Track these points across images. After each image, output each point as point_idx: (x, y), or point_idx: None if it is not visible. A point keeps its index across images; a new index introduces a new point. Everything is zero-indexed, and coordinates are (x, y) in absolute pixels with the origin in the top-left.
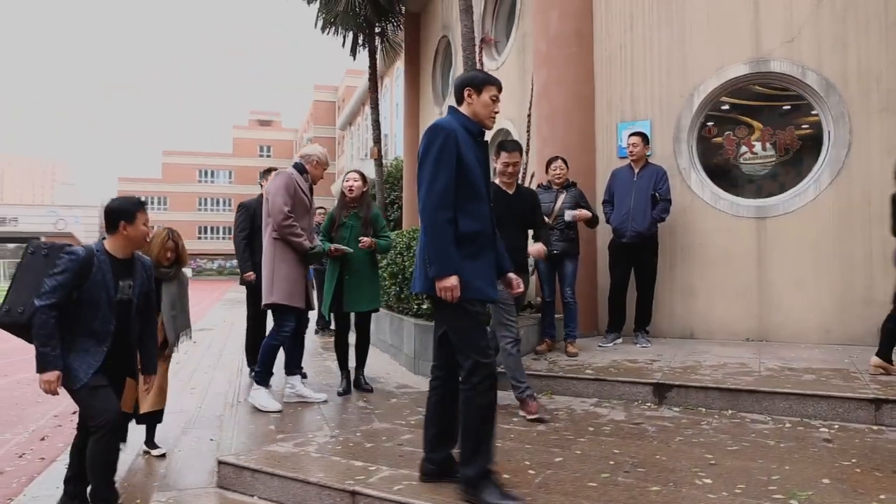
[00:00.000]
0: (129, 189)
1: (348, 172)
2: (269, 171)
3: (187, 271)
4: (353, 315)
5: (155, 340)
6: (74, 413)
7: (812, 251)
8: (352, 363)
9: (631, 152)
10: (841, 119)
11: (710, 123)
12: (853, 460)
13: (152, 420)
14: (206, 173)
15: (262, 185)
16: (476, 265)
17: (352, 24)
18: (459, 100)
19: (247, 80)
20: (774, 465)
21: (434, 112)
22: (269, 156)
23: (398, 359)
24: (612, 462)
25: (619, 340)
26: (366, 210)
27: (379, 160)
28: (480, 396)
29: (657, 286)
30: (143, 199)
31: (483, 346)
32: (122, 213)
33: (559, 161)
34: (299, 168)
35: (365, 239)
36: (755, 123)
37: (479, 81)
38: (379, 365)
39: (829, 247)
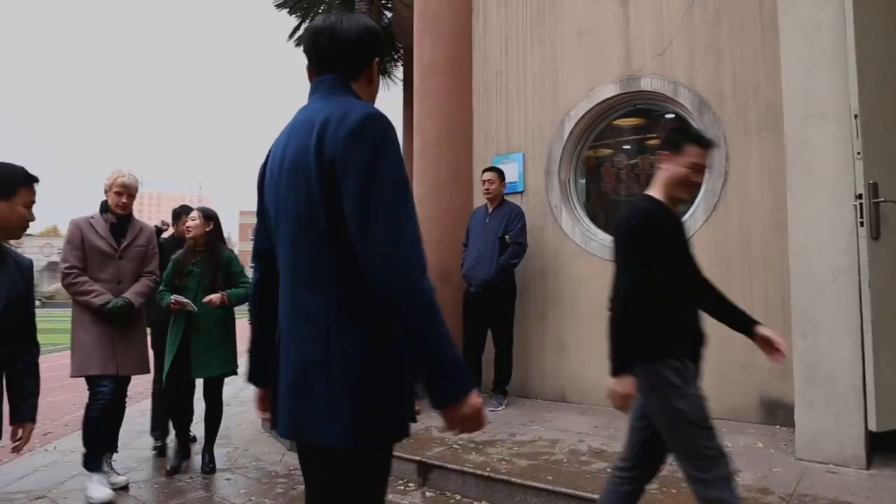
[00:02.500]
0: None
1: (185, 211)
2: (181, 211)
3: None
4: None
5: (34, 372)
6: None
7: None
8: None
9: (487, 190)
10: (716, 142)
11: (589, 153)
12: None
13: None
14: None
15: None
16: None
17: None
18: None
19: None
20: None
21: None
22: None
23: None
24: None
25: None
26: (215, 255)
27: None
28: None
29: (530, 339)
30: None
31: None
32: None
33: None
34: (102, 207)
35: (213, 296)
36: (634, 152)
37: None
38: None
39: None
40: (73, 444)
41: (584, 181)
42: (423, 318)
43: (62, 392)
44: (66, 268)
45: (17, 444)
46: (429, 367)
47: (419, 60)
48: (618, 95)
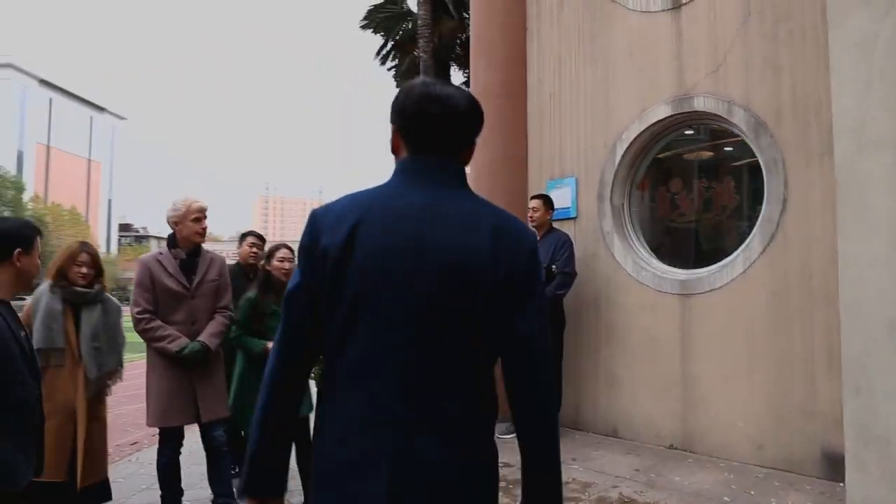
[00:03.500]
0: None
1: (278, 248)
2: (245, 235)
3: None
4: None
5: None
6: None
7: (743, 339)
8: None
9: (531, 218)
10: (773, 167)
11: (643, 176)
12: None
13: (95, 497)
14: None
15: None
16: None
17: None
18: None
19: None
20: None
21: None
22: None
23: None
24: None
25: None
26: None
27: None
28: None
29: (583, 370)
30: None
31: None
32: (19, 238)
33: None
34: (169, 242)
35: None
36: (691, 175)
37: None
38: None
39: (761, 334)
40: (152, 457)
41: (639, 207)
42: (554, 446)
43: None
44: (137, 313)
45: None
46: (551, 485)
47: (474, 85)
48: (670, 116)
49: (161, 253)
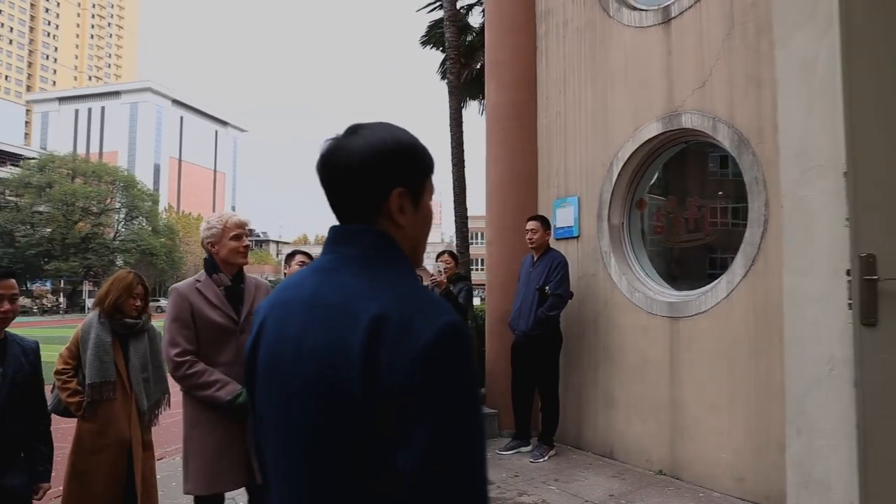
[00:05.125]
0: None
1: (441, 254)
2: (293, 254)
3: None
4: None
5: (46, 439)
6: None
7: (725, 366)
8: None
9: (530, 239)
10: (755, 187)
11: (643, 195)
12: None
13: None
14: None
15: (285, 274)
16: None
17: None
18: None
19: None
20: None
21: None
22: None
23: None
24: None
25: (527, 448)
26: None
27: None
28: None
29: (584, 389)
30: (6, 267)
31: None
32: None
33: (445, 255)
34: (208, 267)
35: None
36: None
37: None
38: None
39: (742, 362)
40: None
41: (640, 226)
42: None
43: None
44: (176, 355)
45: (39, 496)
46: None
47: (488, 107)
48: (662, 134)
49: (199, 281)
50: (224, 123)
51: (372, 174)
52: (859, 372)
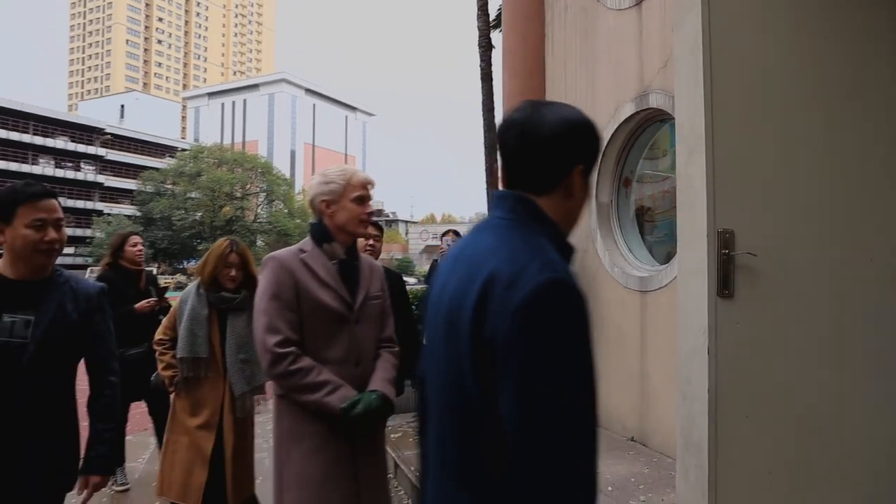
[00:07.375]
0: None
1: (447, 232)
2: (446, 232)
3: None
4: None
5: (106, 414)
6: None
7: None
8: None
9: None
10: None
11: (628, 174)
12: None
13: None
14: None
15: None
16: None
17: None
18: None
19: None
20: None
21: None
22: None
23: None
24: None
25: None
26: None
27: None
28: None
29: None
30: (44, 186)
31: None
32: None
33: (451, 233)
34: (317, 234)
35: None
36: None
37: None
38: None
39: None
40: None
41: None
42: None
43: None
44: (276, 344)
45: (84, 497)
46: None
47: (504, 94)
48: (637, 114)
49: (304, 251)
50: (353, 109)
51: (563, 147)
52: (713, 340)
